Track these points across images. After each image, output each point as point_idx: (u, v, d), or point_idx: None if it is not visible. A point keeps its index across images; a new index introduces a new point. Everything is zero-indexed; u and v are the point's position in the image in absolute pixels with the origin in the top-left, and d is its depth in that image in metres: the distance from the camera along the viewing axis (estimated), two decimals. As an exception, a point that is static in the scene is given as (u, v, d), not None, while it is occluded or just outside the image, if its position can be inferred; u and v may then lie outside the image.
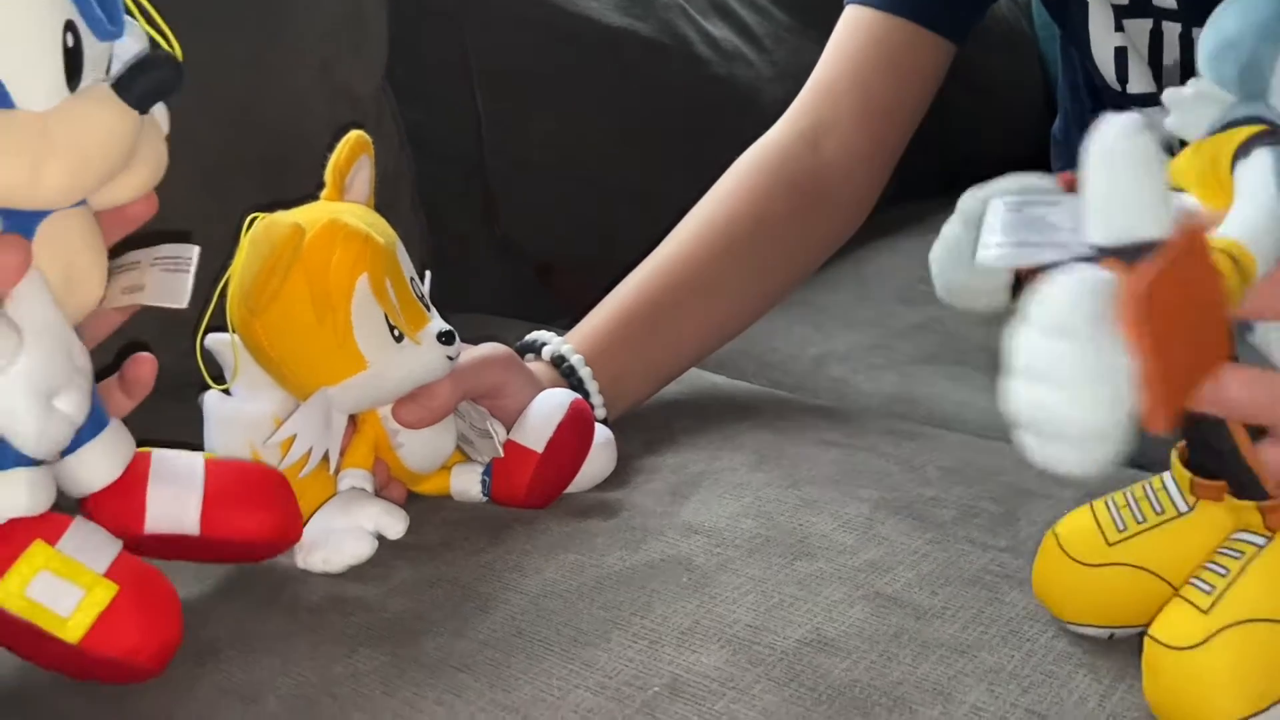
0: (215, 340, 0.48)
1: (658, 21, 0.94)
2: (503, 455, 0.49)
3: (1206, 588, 0.33)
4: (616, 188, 0.90)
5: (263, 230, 0.44)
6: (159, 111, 0.39)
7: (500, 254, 0.89)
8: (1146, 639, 0.33)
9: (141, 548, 0.40)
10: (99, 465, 0.39)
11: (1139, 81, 0.66)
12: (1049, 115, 0.82)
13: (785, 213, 0.64)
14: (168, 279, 0.39)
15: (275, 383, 0.47)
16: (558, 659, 0.39)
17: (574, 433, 0.50)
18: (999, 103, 1.26)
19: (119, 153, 0.35)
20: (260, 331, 0.45)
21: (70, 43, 0.33)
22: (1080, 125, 0.75)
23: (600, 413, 0.56)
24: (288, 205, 0.46)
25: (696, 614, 0.41)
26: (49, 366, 0.34)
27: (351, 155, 0.47)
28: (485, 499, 0.50)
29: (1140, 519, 0.37)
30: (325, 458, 0.46)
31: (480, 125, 0.86)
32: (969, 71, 1.26)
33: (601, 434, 0.52)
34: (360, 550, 0.45)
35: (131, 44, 0.38)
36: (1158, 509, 0.37)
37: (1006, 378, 0.27)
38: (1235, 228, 0.29)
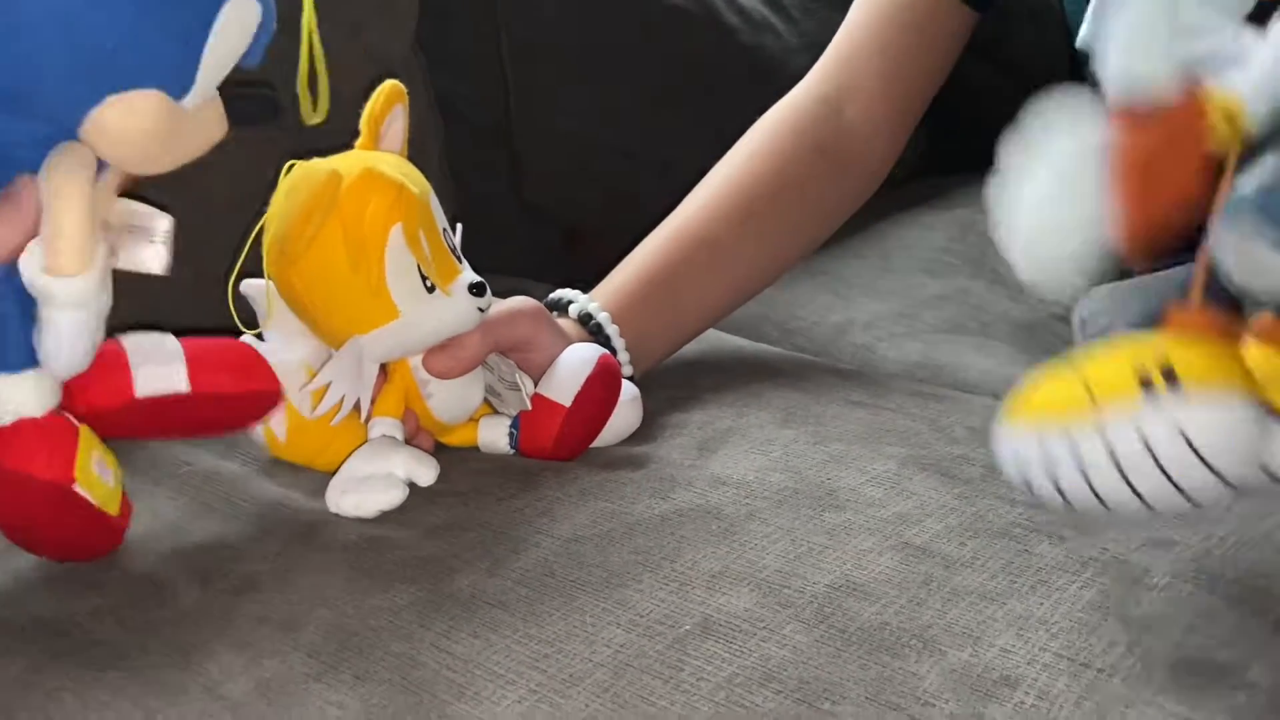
0: (250, 286, 0.48)
1: (686, -11, 0.94)
2: (530, 408, 0.50)
3: None
4: (642, 154, 0.90)
5: (300, 177, 0.45)
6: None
7: (526, 219, 0.90)
8: None
9: (133, 418, 0.42)
10: (29, 399, 0.39)
11: None
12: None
13: (808, 176, 0.64)
14: (142, 248, 0.40)
15: (307, 330, 0.48)
16: (590, 598, 0.39)
17: (601, 387, 0.50)
18: (1024, 76, 1.25)
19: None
20: (295, 278, 0.45)
21: None
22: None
23: (627, 370, 0.57)
24: (323, 153, 0.47)
25: (726, 559, 0.42)
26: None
27: (387, 104, 0.47)
28: (512, 451, 0.51)
29: None
30: (356, 406, 0.47)
31: (508, 92, 0.86)
32: (994, 45, 1.27)
33: (628, 390, 0.53)
34: (392, 497, 0.45)
35: None
36: None
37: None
38: (1244, 84, 0.31)
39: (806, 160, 0.64)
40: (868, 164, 0.67)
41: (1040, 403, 0.33)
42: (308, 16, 0.41)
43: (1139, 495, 0.31)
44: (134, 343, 0.43)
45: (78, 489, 0.39)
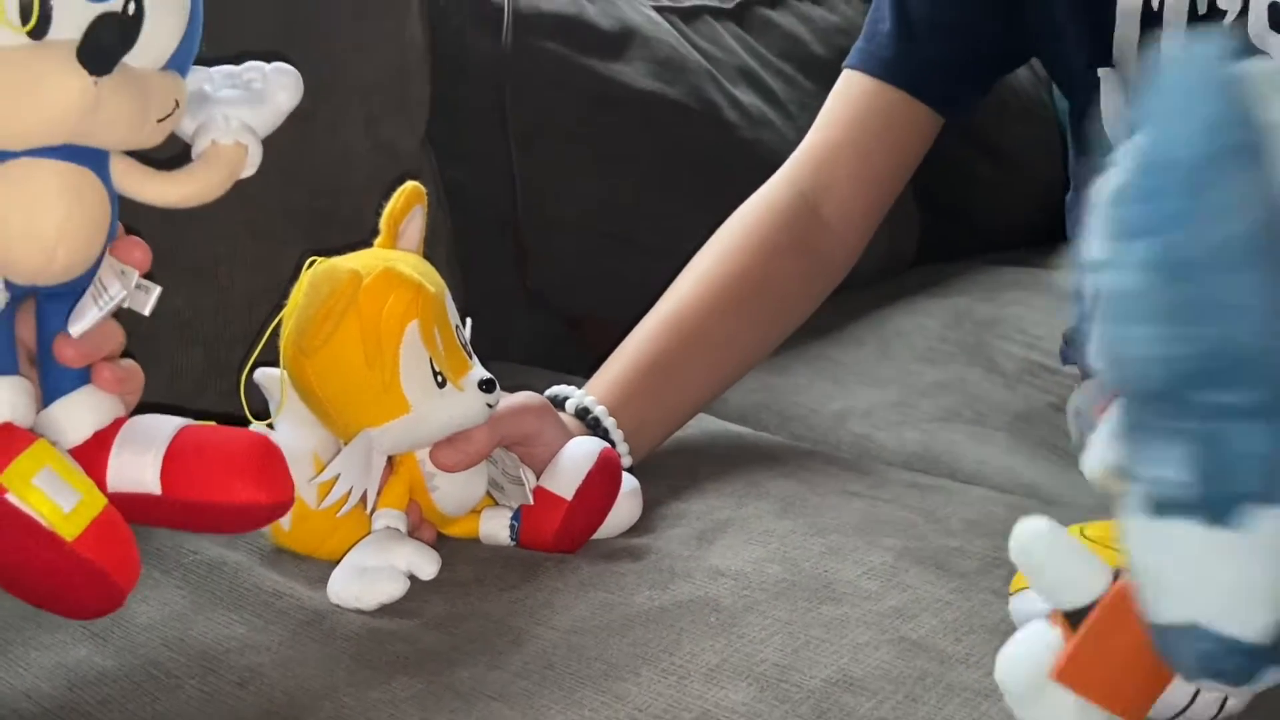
0: (263, 375, 0.49)
1: (688, 87, 0.98)
2: (532, 502, 0.50)
3: None
4: (645, 244, 0.92)
5: (323, 274, 0.46)
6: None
7: (532, 307, 0.91)
8: None
9: (116, 503, 0.38)
10: (73, 418, 0.39)
11: None
12: (1068, 183, 0.84)
13: (788, 270, 0.67)
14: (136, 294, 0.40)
15: (318, 421, 0.49)
16: (589, 691, 0.40)
17: (603, 481, 0.51)
18: (1019, 171, 1.29)
19: (59, 111, 0.35)
20: (310, 371, 0.47)
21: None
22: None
23: (626, 461, 0.58)
24: (342, 251, 0.48)
25: (724, 652, 0.42)
26: None
27: (407, 205, 0.49)
28: (513, 544, 0.52)
29: None
30: (362, 497, 0.48)
31: (515, 182, 0.89)
32: (991, 141, 1.30)
33: (628, 482, 0.54)
34: (393, 589, 0.46)
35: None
36: None
37: None
38: None
39: (787, 255, 0.67)
40: (841, 257, 0.71)
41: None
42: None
43: None
44: (133, 423, 0.40)
45: (8, 496, 0.35)
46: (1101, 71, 0.67)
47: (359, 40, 0.74)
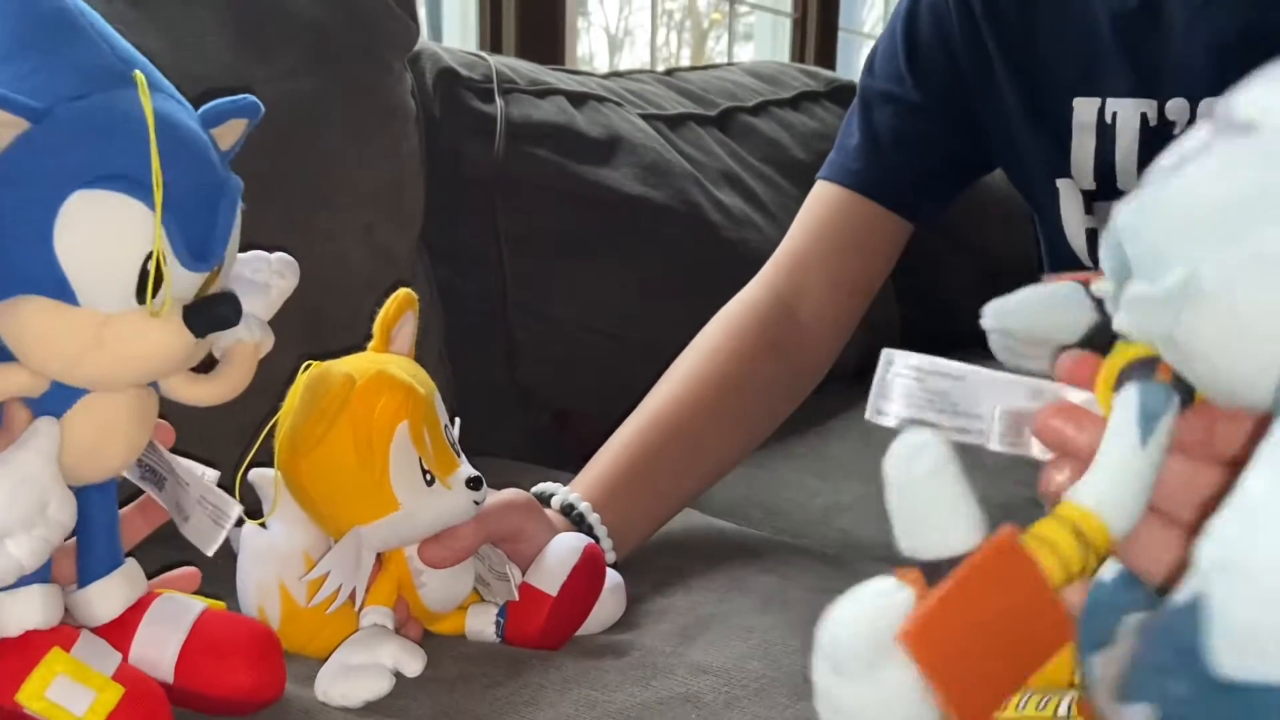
0: (258, 475, 0.51)
1: (672, 190, 1.01)
2: (518, 598, 0.51)
3: None
4: (631, 341, 0.95)
5: (317, 378, 0.48)
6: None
7: (520, 402, 0.93)
8: None
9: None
10: (107, 600, 0.42)
11: None
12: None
13: (767, 372, 0.69)
14: (206, 524, 0.44)
15: (309, 520, 0.50)
16: (570, 790, 0.40)
17: (587, 577, 0.52)
18: (998, 270, 1.32)
19: (160, 364, 0.39)
20: (304, 470, 0.48)
21: (149, 269, 0.37)
22: None
23: (610, 557, 0.59)
24: (338, 354, 0.50)
25: (704, 750, 0.43)
26: (9, 508, 0.37)
27: (399, 311, 0.51)
28: (499, 640, 0.52)
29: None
30: (352, 594, 0.49)
31: (506, 282, 0.91)
32: (971, 240, 1.35)
33: (612, 578, 0.55)
34: (378, 686, 0.47)
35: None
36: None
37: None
38: (1089, 492, 0.27)
39: (765, 357, 0.69)
40: (817, 360, 0.73)
41: None
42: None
43: None
44: (163, 603, 0.43)
45: (24, 710, 0.38)
46: (1060, 182, 0.70)
47: (358, 152, 0.77)
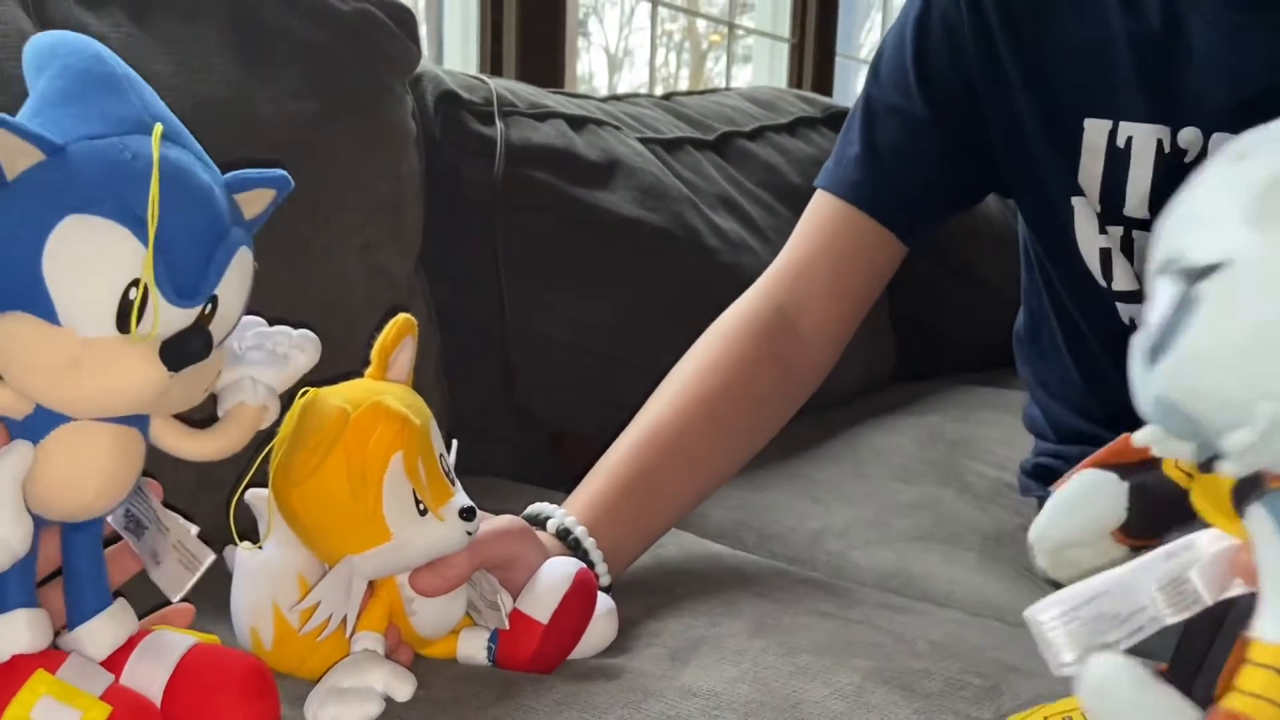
0: (254, 495, 0.51)
1: (669, 214, 1.02)
2: (508, 626, 0.52)
3: None
4: (628, 363, 0.95)
5: (312, 408, 0.48)
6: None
7: (517, 422, 0.94)
8: None
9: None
10: (95, 641, 0.42)
11: (1123, 279, 0.71)
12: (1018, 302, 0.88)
13: (766, 382, 0.69)
14: (177, 570, 0.44)
15: (303, 544, 0.50)
16: (560, 813, 0.40)
17: (578, 603, 0.52)
18: (988, 294, 1.34)
19: (134, 394, 0.39)
20: (297, 500, 0.48)
21: (132, 296, 0.37)
22: (1047, 322, 0.81)
23: (605, 580, 0.59)
24: (335, 380, 0.50)
25: (693, 775, 0.43)
26: None
27: (398, 337, 0.51)
28: (490, 665, 0.52)
29: None
30: (343, 622, 0.49)
31: (503, 303, 0.92)
32: (964, 266, 1.36)
33: (604, 603, 0.55)
34: (368, 711, 0.46)
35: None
36: None
37: None
38: (1272, 627, 0.28)
39: (764, 368, 0.69)
40: (815, 369, 0.73)
41: None
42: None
43: None
44: (153, 639, 0.43)
45: None
46: (1076, 200, 0.70)
47: (358, 172, 0.78)
